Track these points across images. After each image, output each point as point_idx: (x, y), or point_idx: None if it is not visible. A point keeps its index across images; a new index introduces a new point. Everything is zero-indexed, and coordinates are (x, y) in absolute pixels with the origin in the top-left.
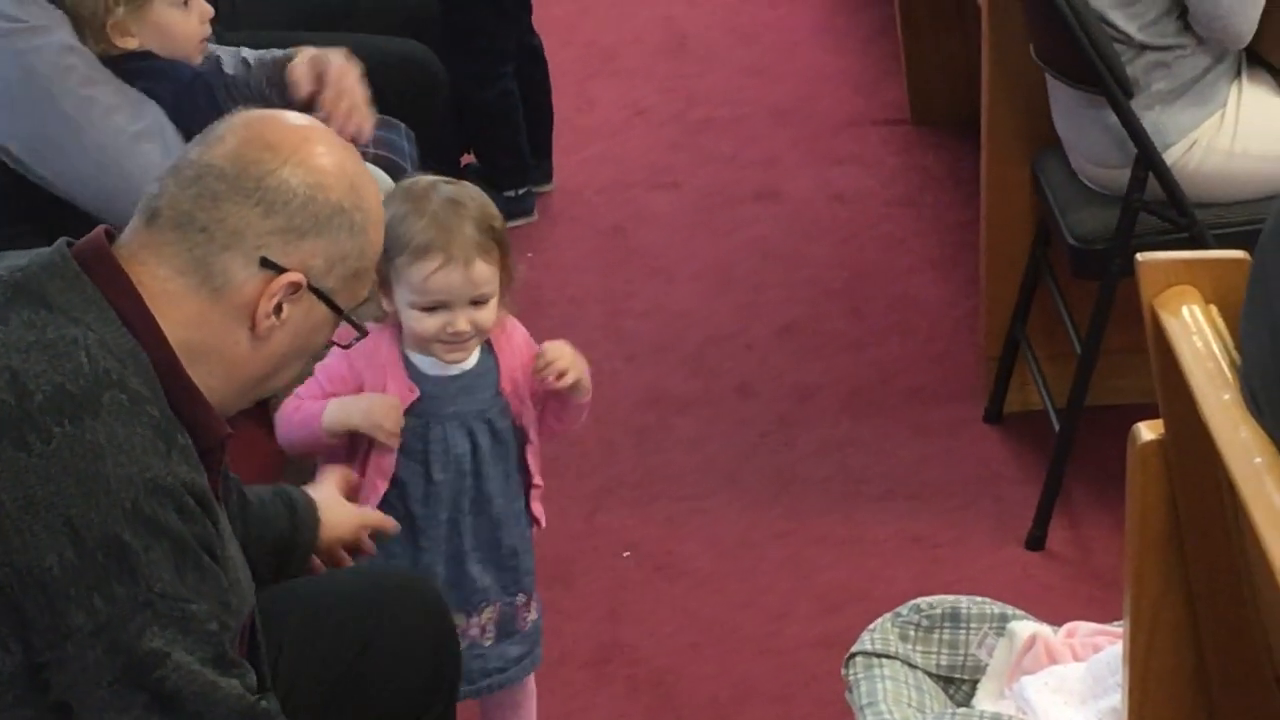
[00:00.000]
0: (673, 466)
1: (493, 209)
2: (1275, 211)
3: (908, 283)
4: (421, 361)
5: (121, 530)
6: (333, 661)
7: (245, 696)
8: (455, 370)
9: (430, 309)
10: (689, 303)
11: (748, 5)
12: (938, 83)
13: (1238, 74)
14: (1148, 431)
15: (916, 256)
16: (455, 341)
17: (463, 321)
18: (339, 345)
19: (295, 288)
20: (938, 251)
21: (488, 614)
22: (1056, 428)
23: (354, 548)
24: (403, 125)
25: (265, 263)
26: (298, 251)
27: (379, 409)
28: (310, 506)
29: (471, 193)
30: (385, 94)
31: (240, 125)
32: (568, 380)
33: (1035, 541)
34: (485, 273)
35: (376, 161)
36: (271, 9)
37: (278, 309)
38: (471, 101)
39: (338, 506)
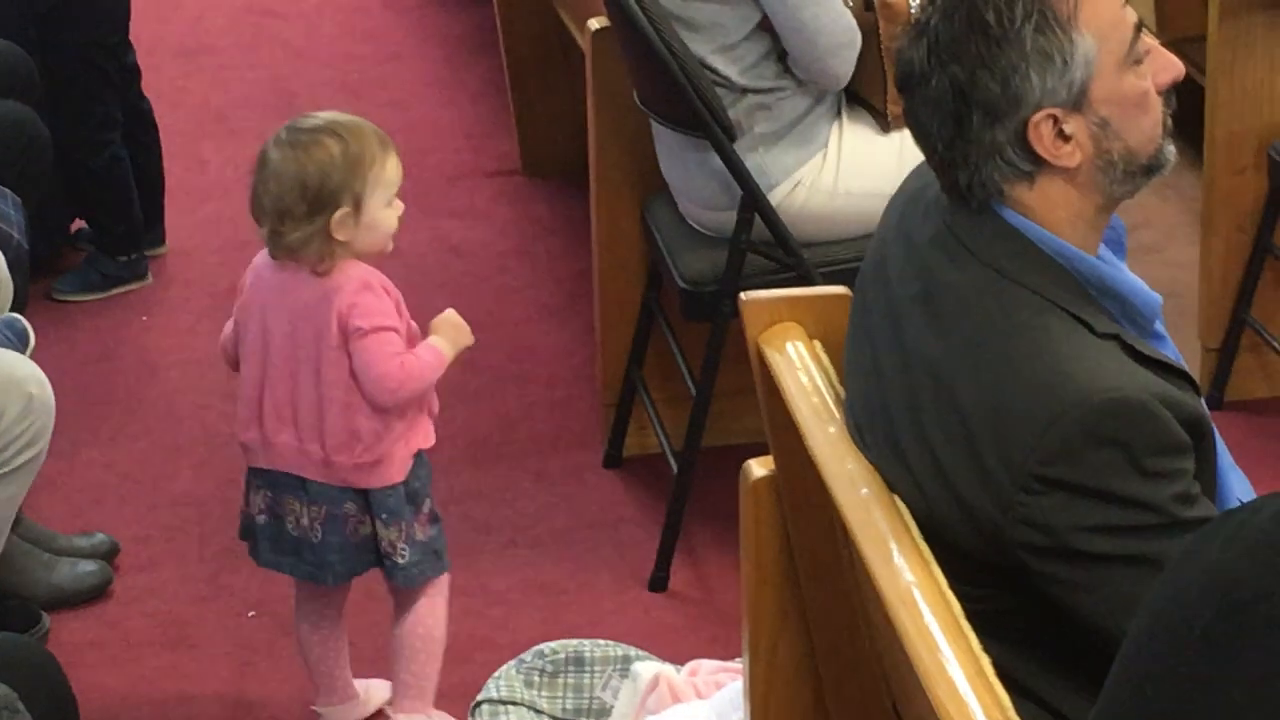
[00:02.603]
0: None
1: None
2: (872, 247)
3: (524, 332)
4: None
5: None
6: None
7: None
8: None
9: (390, 200)
10: None
11: (356, 63)
12: (547, 133)
13: (838, 114)
14: (759, 468)
15: (532, 306)
16: None
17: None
18: None
19: None
20: (553, 300)
21: None
22: (675, 470)
23: None
24: (9, 193)
25: None
26: None
27: (460, 325)
28: None
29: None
30: None
31: None
32: None
33: (658, 583)
34: None
35: None
36: None
37: None
38: (80, 168)
39: None
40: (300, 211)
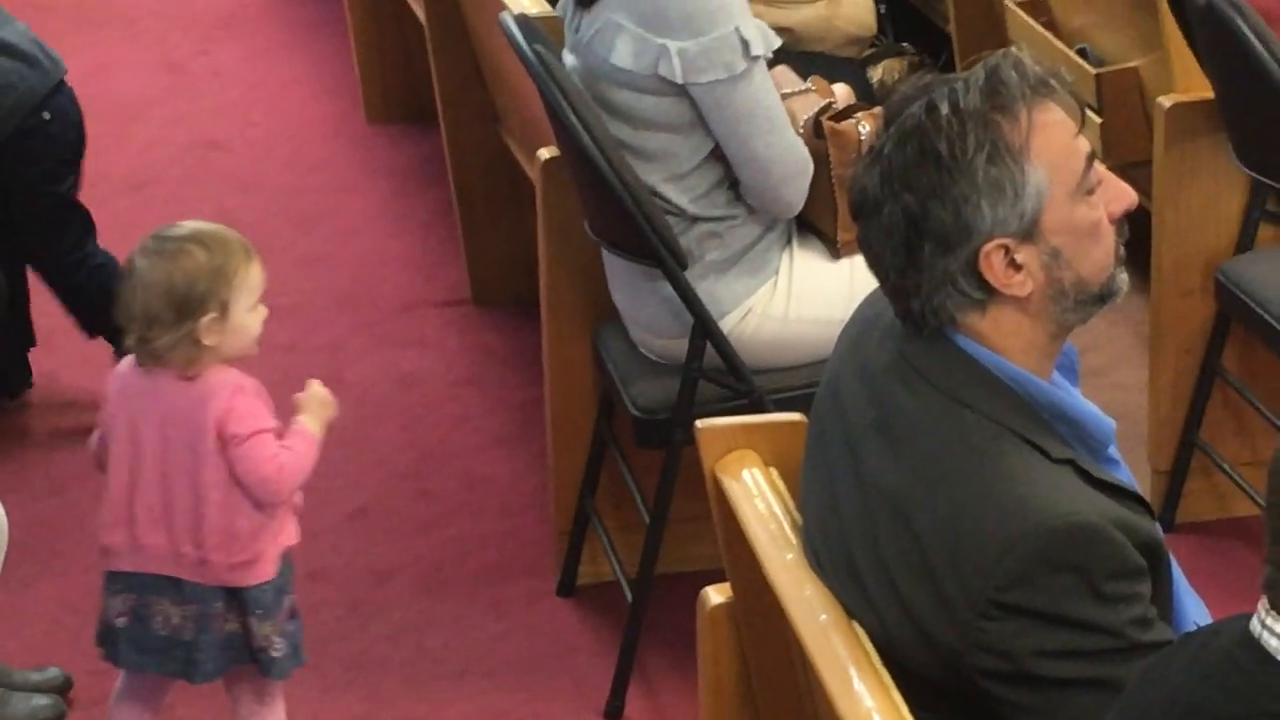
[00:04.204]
0: None
1: None
2: (827, 376)
3: (476, 461)
4: None
5: None
6: None
7: None
8: None
9: (254, 305)
10: None
11: (306, 194)
12: (497, 262)
13: (789, 242)
14: (716, 595)
15: (484, 435)
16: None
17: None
18: None
19: None
20: (505, 429)
21: None
22: (629, 598)
23: None
24: None
25: None
26: None
27: (325, 400)
28: None
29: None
30: None
31: None
32: None
33: (614, 711)
34: None
35: None
36: None
37: None
38: (72, 291)
39: None
40: (168, 317)
